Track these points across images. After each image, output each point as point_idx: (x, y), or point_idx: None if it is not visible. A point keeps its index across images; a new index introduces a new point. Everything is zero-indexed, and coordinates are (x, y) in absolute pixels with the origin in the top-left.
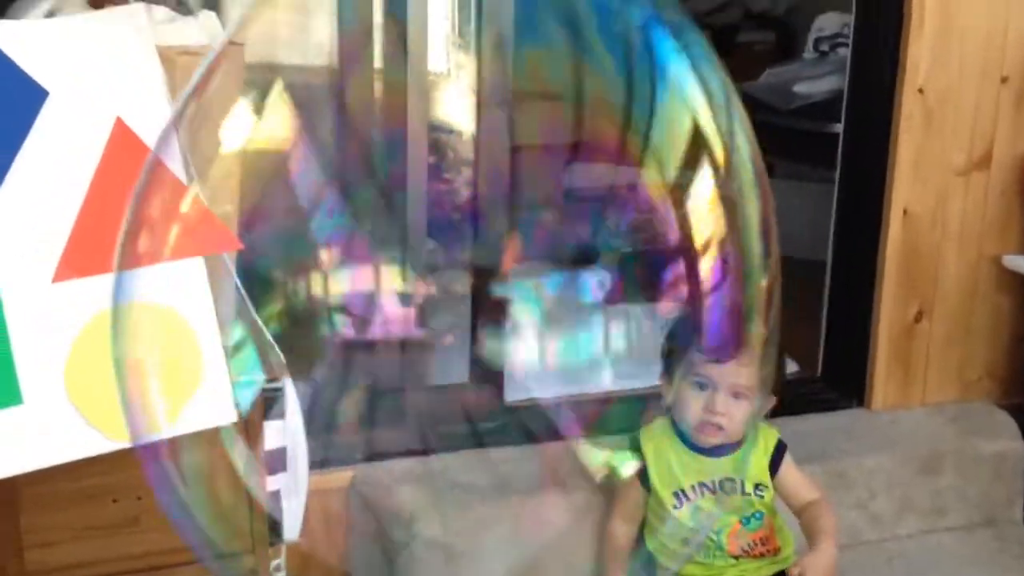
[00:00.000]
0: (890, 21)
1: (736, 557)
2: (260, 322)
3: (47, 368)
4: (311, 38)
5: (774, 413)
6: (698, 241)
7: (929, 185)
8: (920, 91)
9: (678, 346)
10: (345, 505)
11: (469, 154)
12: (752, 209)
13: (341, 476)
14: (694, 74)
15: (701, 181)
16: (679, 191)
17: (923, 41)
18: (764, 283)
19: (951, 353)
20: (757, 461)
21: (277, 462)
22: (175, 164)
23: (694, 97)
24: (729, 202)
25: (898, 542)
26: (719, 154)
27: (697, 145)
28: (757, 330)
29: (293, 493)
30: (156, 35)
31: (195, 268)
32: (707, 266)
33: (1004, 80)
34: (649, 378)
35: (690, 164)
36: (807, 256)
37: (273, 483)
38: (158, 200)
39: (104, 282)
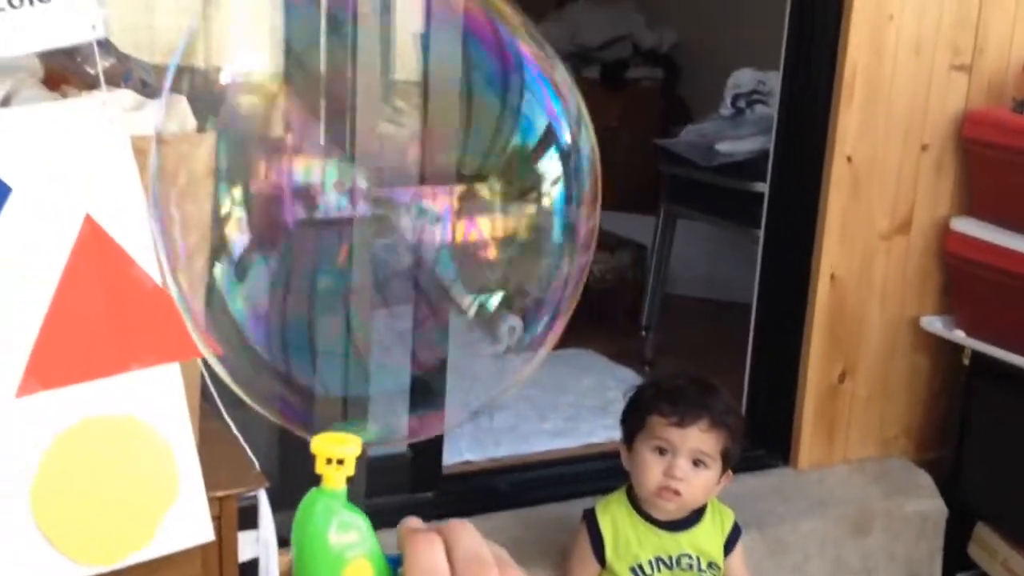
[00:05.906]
0: (819, 89)
1: None
2: (235, 431)
3: (12, 491)
4: None
5: None
6: None
7: (855, 249)
8: (848, 159)
9: (639, 409)
10: None
11: None
12: None
13: None
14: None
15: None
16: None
17: (852, 111)
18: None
19: (872, 411)
20: (713, 539)
21: (250, 573)
22: (148, 263)
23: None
24: None
25: None
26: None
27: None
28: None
29: None
30: (127, 125)
31: (169, 376)
32: None
33: (924, 148)
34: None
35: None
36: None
37: None
38: (130, 302)
39: (73, 394)
